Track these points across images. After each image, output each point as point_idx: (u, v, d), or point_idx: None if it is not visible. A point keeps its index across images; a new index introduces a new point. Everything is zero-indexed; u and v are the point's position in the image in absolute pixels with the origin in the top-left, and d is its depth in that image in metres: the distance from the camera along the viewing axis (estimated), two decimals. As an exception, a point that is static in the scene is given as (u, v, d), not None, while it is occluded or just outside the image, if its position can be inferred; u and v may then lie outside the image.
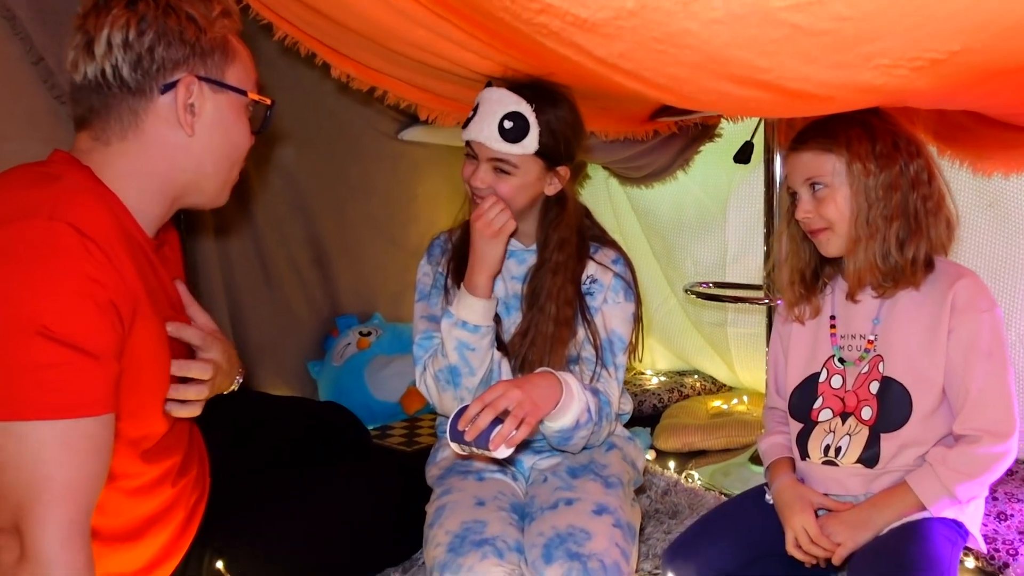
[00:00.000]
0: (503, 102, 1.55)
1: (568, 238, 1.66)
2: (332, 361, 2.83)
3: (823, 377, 1.59)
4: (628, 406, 1.81)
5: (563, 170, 1.65)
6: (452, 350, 1.60)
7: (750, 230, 2.62)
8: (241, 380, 1.52)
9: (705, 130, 2.46)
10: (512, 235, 1.64)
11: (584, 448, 1.66)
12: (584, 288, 1.68)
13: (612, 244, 1.75)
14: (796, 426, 1.61)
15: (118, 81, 1.19)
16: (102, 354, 1.07)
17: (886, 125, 1.51)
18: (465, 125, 1.61)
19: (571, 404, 1.50)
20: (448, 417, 1.46)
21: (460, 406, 1.41)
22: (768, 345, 2.24)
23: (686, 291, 2.35)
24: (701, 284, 2.42)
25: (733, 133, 2.51)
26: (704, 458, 2.44)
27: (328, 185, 2.82)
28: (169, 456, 1.33)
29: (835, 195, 1.50)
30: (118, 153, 1.22)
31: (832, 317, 1.61)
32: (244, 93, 1.31)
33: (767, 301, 2.17)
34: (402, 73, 1.80)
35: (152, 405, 1.25)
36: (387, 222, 2.99)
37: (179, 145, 1.25)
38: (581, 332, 1.66)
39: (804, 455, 1.57)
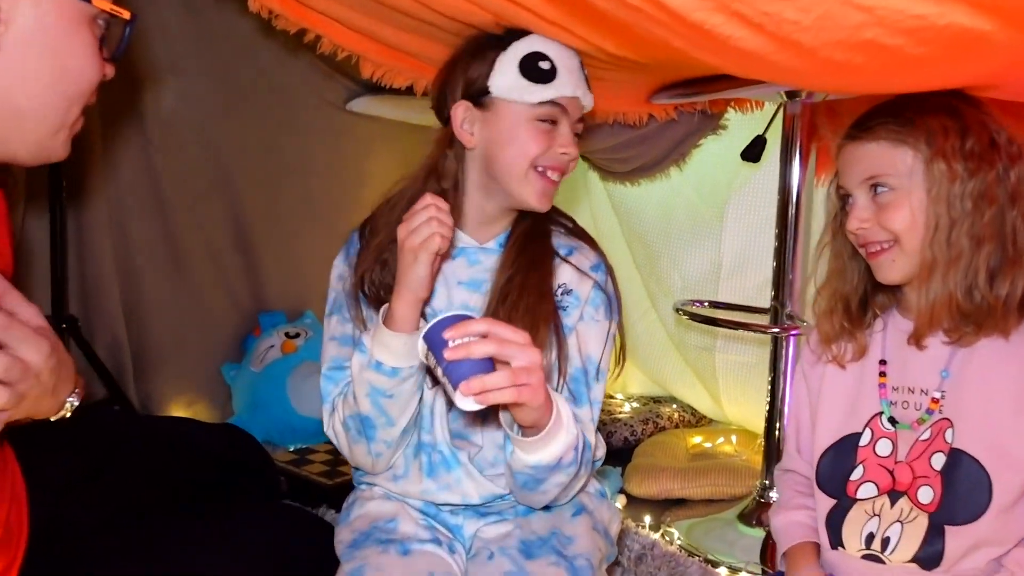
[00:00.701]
0: (570, 49, 1.27)
1: (543, 226, 1.30)
2: (251, 365, 2.45)
3: (865, 440, 1.22)
4: (601, 451, 1.41)
5: None
6: (363, 396, 1.21)
7: (750, 242, 2.28)
8: (76, 403, 1.09)
9: (708, 120, 2.08)
10: (457, 227, 1.26)
11: (547, 506, 1.26)
12: (556, 300, 1.28)
13: (590, 241, 1.37)
14: (826, 502, 1.24)
15: None
16: None
17: (981, 116, 1.13)
18: (540, 78, 1.23)
19: (559, 433, 1.12)
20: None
21: (459, 312, 1.06)
22: (774, 382, 1.89)
23: (677, 311, 1.97)
24: (694, 303, 2.04)
25: (740, 126, 2.16)
26: (684, 508, 2.08)
27: (258, 159, 2.45)
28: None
29: (905, 201, 1.13)
30: None
31: (882, 362, 1.23)
32: None
33: (782, 330, 1.79)
34: (342, 12, 1.38)
35: None
36: (328, 206, 2.61)
37: None
38: (550, 355, 1.26)
39: (836, 542, 1.21)
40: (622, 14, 0.94)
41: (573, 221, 1.40)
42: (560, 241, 1.33)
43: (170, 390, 2.35)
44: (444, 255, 1.20)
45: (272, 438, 2.36)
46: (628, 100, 1.89)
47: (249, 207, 2.46)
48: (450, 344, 1.00)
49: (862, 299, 1.26)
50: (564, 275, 1.29)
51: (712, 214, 2.34)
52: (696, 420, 2.63)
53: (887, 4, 0.82)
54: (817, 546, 1.25)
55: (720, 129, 2.16)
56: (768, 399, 1.92)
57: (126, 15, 0.97)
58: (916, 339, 1.18)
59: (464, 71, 1.26)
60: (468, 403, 1.00)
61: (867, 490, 1.19)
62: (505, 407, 1.08)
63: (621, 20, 0.97)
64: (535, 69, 1.22)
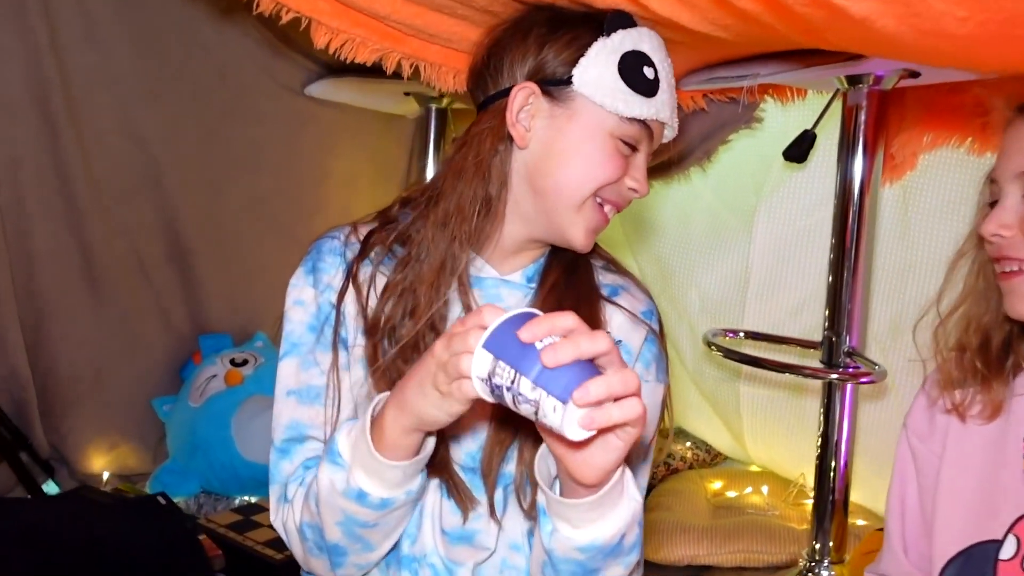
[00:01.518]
0: (670, 59, 0.97)
1: (585, 265, 0.99)
2: (188, 399, 2.10)
3: (1009, 551, 0.89)
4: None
5: None
6: (332, 524, 0.86)
7: (785, 257, 1.95)
8: None
9: (741, 111, 1.73)
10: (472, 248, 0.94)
11: None
12: None
13: (633, 279, 1.05)
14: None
15: None
16: None
17: None
18: (643, 88, 0.92)
19: (621, 499, 0.80)
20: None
21: (520, 311, 0.73)
22: (827, 433, 1.54)
23: (708, 344, 1.61)
24: (727, 333, 1.69)
25: (778, 121, 1.83)
26: (711, 578, 1.73)
27: (196, 153, 2.10)
28: None
29: None
30: None
31: (1033, 442, 0.90)
32: None
33: (843, 376, 1.45)
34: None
35: None
36: (283, 209, 2.30)
37: None
38: None
39: None
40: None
41: (602, 249, 1.06)
42: (601, 278, 1.00)
43: (88, 430, 2.00)
44: None
45: (213, 487, 2.00)
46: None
47: (185, 210, 2.11)
48: (539, 348, 0.68)
49: (1006, 339, 0.94)
50: (614, 321, 0.97)
51: (737, 223, 2.01)
52: (711, 458, 2.30)
53: None
54: None
55: (755, 122, 1.81)
56: (819, 450, 1.57)
57: None
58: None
59: (539, 46, 0.93)
60: (577, 430, 0.68)
61: (1014, 626, 0.86)
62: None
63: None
64: (639, 74, 0.91)
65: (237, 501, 1.97)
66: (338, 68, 2.15)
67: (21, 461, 1.73)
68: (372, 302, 0.96)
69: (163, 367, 2.14)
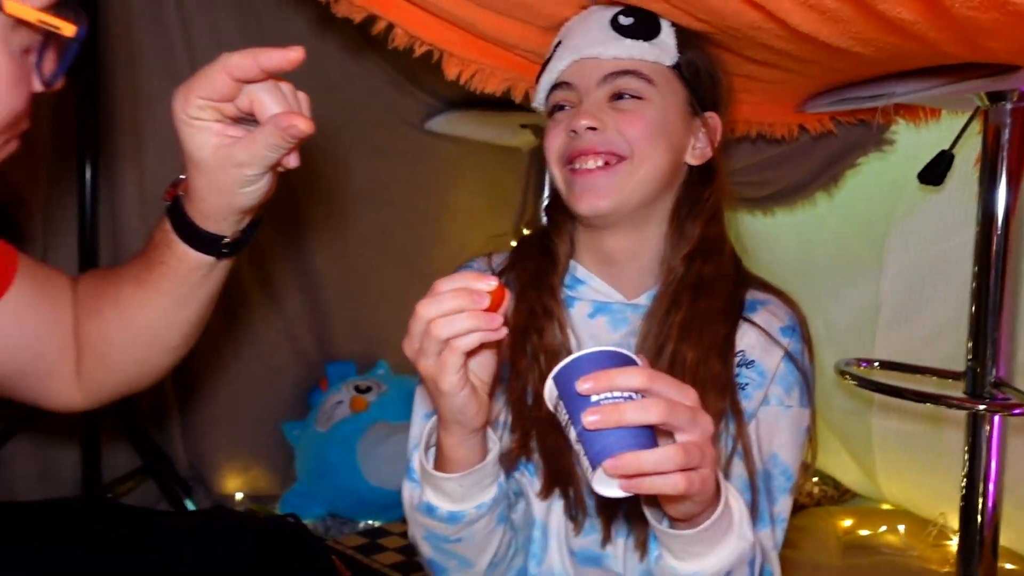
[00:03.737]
0: (612, 8, 0.97)
1: (720, 275, 0.97)
2: (316, 424, 2.16)
3: None
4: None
5: (714, 119, 1.02)
6: (420, 539, 0.92)
7: (919, 284, 1.86)
8: None
9: (871, 133, 1.68)
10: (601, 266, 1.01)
11: None
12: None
13: (776, 292, 1.03)
14: None
15: None
16: None
17: None
18: (539, 77, 1.02)
19: (728, 536, 0.79)
20: None
21: (607, 348, 0.72)
22: (973, 470, 1.45)
23: (840, 373, 1.55)
24: (860, 362, 1.62)
25: (909, 142, 1.74)
26: (845, 622, 1.64)
27: (325, 186, 2.18)
28: None
29: None
30: None
31: None
32: None
33: (992, 407, 1.37)
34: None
35: None
36: (404, 240, 2.37)
37: None
38: (720, 450, 0.94)
39: None
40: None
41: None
42: (748, 295, 0.98)
43: (223, 452, 2.10)
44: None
45: (339, 510, 2.05)
46: (779, 108, 1.51)
47: (313, 241, 2.21)
48: (592, 402, 0.68)
49: None
50: (745, 339, 0.94)
51: (868, 250, 1.93)
52: (839, 495, 2.20)
53: None
54: None
55: (886, 145, 1.75)
56: (964, 488, 1.48)
57: (66, 31, 0.66)
58: None
59: None
60: (610, 487, 0.70)
61: None
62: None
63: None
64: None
65: (362, 525, 2.02)
66: (457, 103, 2.21)
67: (167, 479, 1.82)
68: None
69: (292, 393, 2.23)
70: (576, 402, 0.69)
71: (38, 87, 0.68)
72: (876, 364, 1.65)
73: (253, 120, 0.82)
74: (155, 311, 0.94)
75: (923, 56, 1.10)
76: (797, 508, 2.07)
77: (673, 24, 0.99)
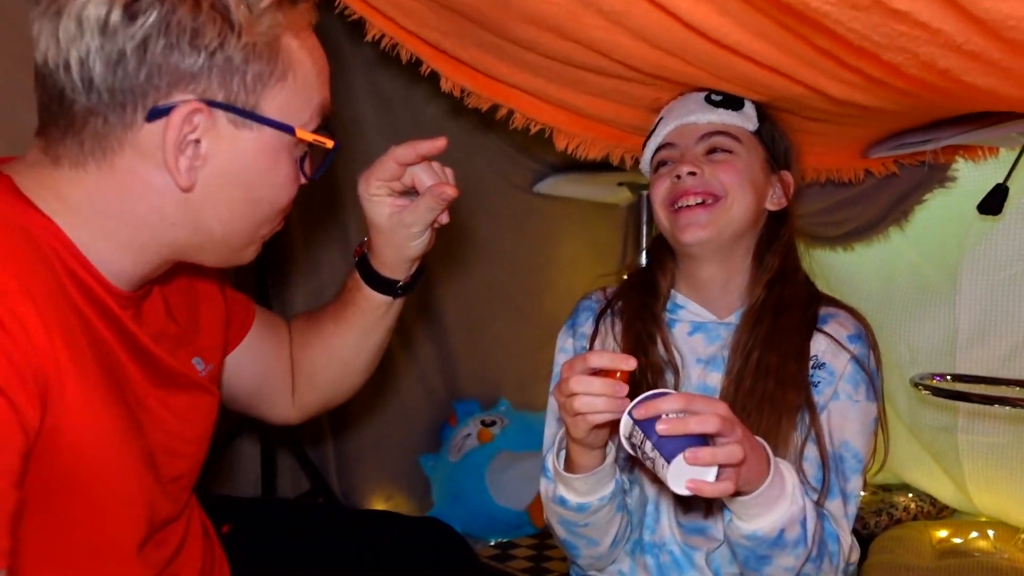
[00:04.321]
0: (705, 89, 1.25)
1: (796, 296, 1.19)
2: (448, 455, 2.41)
3: None
4: (856, 554, 1.22)
5: (787, 176, 1.27)
6: (556, 524, 1.16)
7: (993, 305, 2.00)
8: None
9: (933, 172, 1.87)
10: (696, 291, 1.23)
11: None
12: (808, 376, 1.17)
13: (845, 307, 1.24)
14: None
15: (85, 84, 0.78)
16: None
17: None
18: (645, 144, 1.29)
19: (780, 500, 1.00)
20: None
21: (660, 391, 0.96)
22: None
23: (916, 385, 1.73)
24: (935, 376, 1.79)
25: (971, 177, 1.91)
26: (938, 617, 1.77)
27: (448, 245, 2.44)
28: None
29: None
30: (71, 181, 0.82)
31: None
32: (289, 131, 0.88)
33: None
34: (535, 83, 1.34)
35: (110, 537, 0.84)
36: (516, 291, 2.61)
37: (169, 193, 0.84)
38: (796, 437, 1.14)
39: None
40: (883, 38, 0.82)
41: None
42: (821, 310, 1.21)
43: (371, 483, 2.34)
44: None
45: (472, 531, 2.28)
46: (843, 155, 1.73)
47: (440, 293, 2.45)
48: (658, 422, 0.92)
49: None
50: (817, 346, 1.16)
51: (942, 277, 2.09)
52: (937, 511, 2.30)
53: None
54: None
55: (948, 181, 1.93)
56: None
57: (329, 145, 0.94)
58: None
59: None
60: (680, 484, 0.91)
61: None
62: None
63: (876, 43, 0.85)
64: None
65: (492, 542, 2.26)
66: (561, 167, 2.49)
67: (331, 500, 2.12)
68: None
69: (425, 429, 2.47)
70: (648, 425, 0.92)
71: (303, 181, 0.98)
72: (948, 377, 1.81)
73: (414, 191, 1.13)
74: (349, 340, 1.24)
75: (955, 108, 1.30)
76: (894, 522, 2.21)
77: (753, 101, 1.26)
